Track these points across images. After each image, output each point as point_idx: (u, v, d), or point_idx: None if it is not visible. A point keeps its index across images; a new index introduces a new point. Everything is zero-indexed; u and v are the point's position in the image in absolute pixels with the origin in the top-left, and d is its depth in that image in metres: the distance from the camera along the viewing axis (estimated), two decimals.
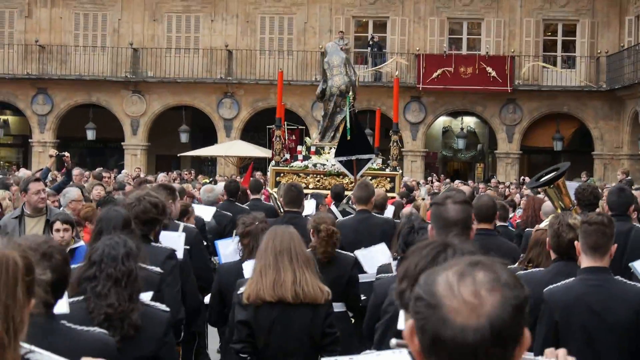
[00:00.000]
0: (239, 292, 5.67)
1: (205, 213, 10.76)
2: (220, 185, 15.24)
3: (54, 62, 38.86)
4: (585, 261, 5.56)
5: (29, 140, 40.23)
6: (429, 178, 32.56)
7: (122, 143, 39.82)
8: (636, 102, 35.20)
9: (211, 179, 28.76)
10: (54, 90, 39.18)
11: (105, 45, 38.92)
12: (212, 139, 39.00)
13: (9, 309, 2.57)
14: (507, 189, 25.83)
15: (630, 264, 7.10)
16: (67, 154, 14.68)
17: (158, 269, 5.91)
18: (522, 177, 32.76)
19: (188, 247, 7.59)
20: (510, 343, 2.01)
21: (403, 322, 4.66)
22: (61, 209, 10.29)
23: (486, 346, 1.97)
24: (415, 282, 2.24)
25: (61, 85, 38.98)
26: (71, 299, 4.49)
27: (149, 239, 6.54)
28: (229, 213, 11.38)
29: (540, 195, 14.73)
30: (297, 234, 5.88)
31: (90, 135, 40.17)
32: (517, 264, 6.78)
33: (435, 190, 20.81)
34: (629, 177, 25.68)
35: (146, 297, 5.27)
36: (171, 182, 20.40)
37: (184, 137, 39.89)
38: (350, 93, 15.16)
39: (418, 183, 27.40)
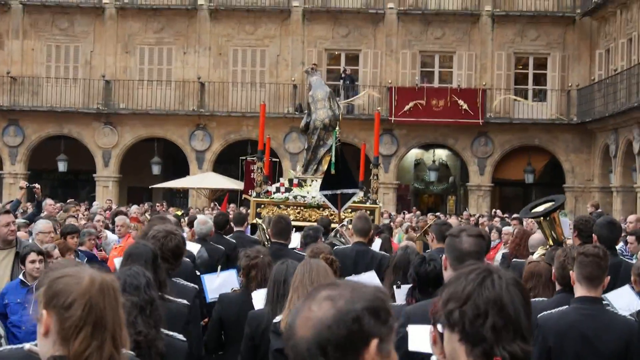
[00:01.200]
0: (275, 320, 5.75)
1: (191, 247, 10.69)
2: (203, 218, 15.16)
3: (25, 93, 38.74)
4: (579, 290, 5.74)
5: (0, 172, 39.98)
6: (402, 212, 32.62)
7: (94, 175, 39.72)
8: (607, 135, 35.52)
9: (183, 212, 28.64)
10: (26, 122, 39.03)
11: (77, 77, 38.91)
12: (184, 171, 38.95)
13: (116, 328, 2.77)
14: (477, 220, 25.92)
15: (603, 296, 7.18)
16: (37, 185, 14.74)
17: (185, 302, 5.96)
18: (494, 210, 32.94)
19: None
20: (340, 350, 2.18)
21: (414, 343, 4.80)
22: (30, 239, 10.22)
23: (314, 354, 2.18)
24: (464, 304, 2.45)
25: (33, 117, 38.82)
26: None
27: (168, 273, 6.51)
28: (221, 247, 11.38)
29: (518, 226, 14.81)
30: (329, 268, 6.01)
31: (62, 167, 40.04)
32: None
33: (407, 223, 20.89)
34: (600, 210, 25.83)
35: None
36: (144, 214, 20.38)
37: (155, 169, 39.82)
38: (337, 128, 15.25)
39: (390, 215, 27.47)
